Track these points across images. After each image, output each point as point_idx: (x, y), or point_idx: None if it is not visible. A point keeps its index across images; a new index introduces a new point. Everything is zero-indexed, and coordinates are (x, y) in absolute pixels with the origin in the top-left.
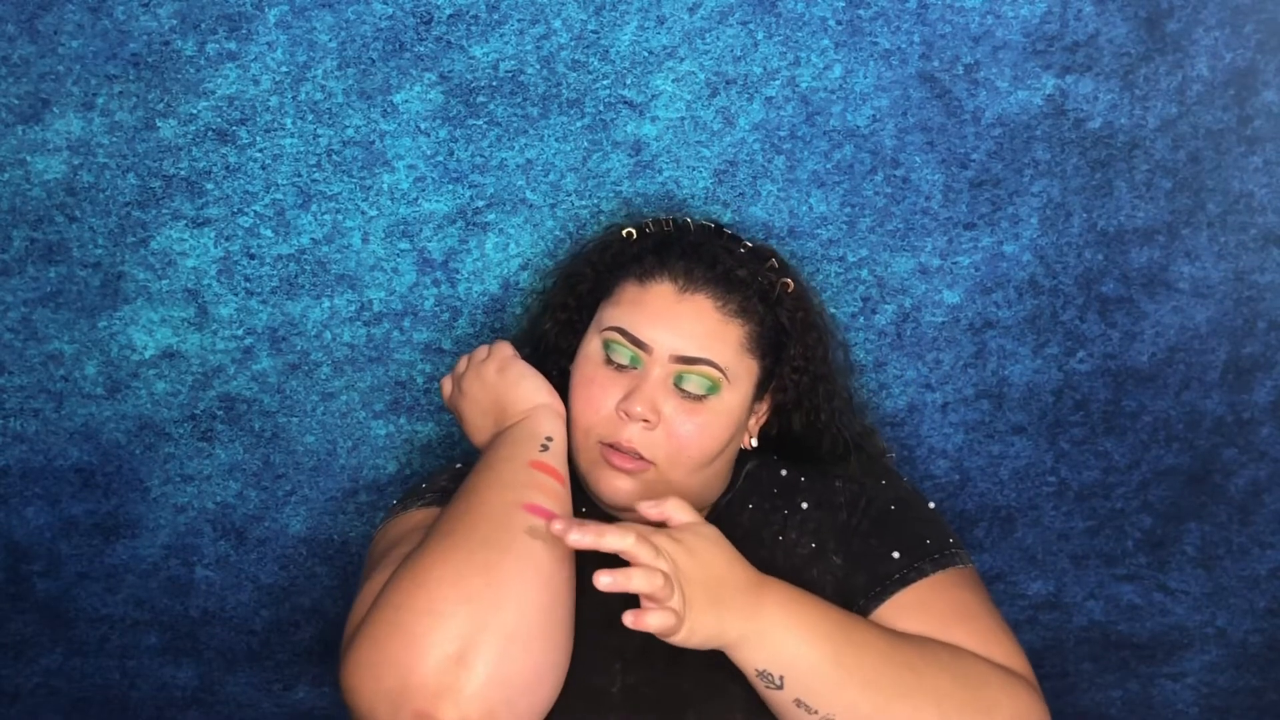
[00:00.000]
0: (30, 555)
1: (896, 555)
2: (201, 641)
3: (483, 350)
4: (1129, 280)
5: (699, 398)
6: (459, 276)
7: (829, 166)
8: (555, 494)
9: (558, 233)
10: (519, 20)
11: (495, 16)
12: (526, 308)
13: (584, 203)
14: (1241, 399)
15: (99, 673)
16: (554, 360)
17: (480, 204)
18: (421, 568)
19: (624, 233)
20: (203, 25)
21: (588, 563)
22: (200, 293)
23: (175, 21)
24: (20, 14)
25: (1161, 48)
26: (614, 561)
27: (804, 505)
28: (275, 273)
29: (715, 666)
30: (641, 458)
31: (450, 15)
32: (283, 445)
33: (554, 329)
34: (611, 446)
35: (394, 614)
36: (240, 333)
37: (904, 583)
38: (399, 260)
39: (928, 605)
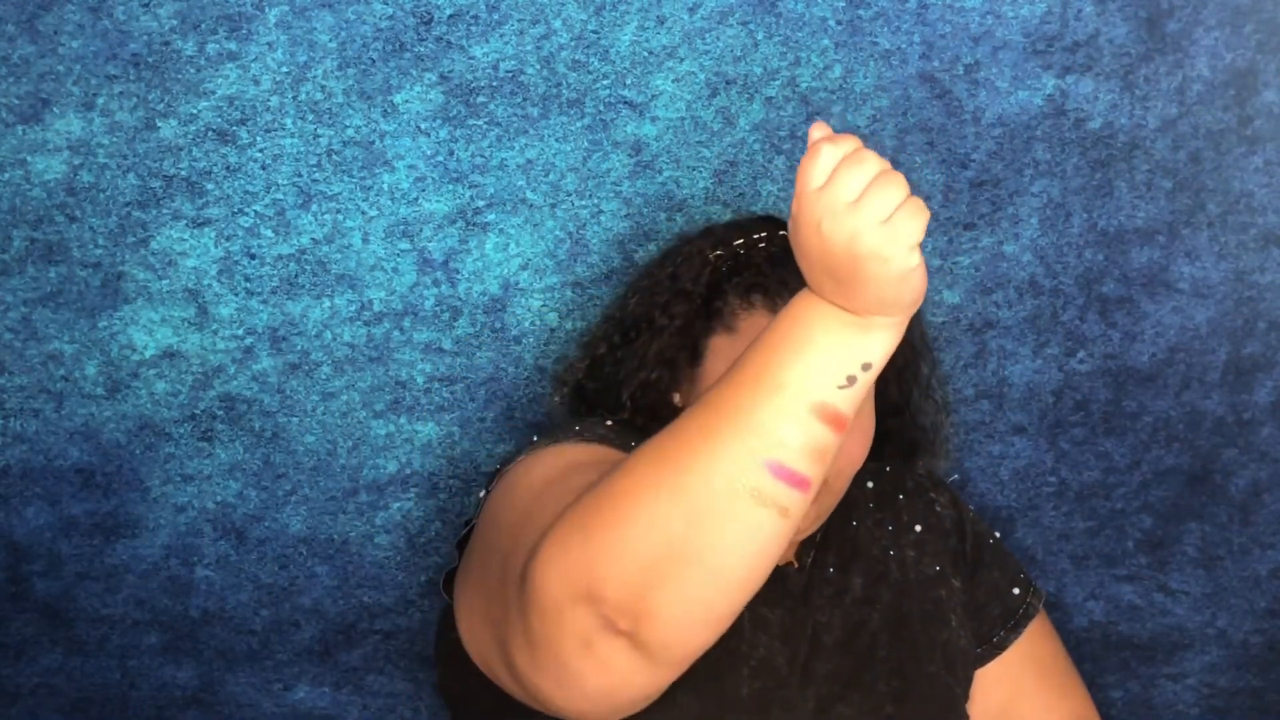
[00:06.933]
0: (30, 555)
1: (1016, 591)
2: (201, 641)
3: (876, 194)
4: (1129, 280)
5: None
6: (459, 276)
7: None
8: (819, 453)
9: (558, 233)
10: (519, 20)
11: (495, 16)
12: (570, 364)
13: (584, 203)
14: (1242, 399)
15: (99, 673)
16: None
17: (480, 204)
18: (619, 489)
19: (713, 256)
20: (203, 25)
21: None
22: (200, 293)
23: (175, 21)
24: (20, 14)
25: (1161, 48)
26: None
27: (917, 528)
28: (275, 273)
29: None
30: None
31: (450, 15)
32: (283, 445)
33: (659, 375)
34: None
35: (581, 521)
36: (240, 333)
37: (1028, 616)
38: (399, 260)
39: (1039, 659)
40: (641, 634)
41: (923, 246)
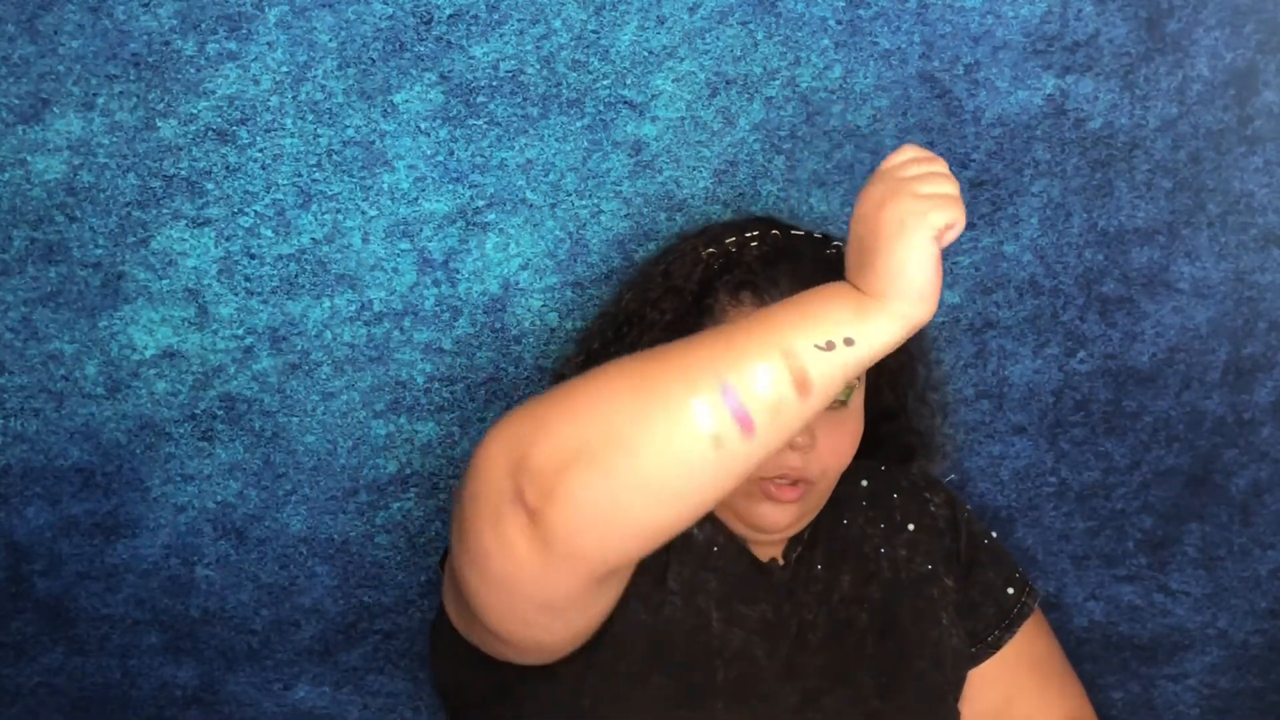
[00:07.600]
0: (30, 555)
1: (1011, 590)
2: (202, 641)
3: (929, 178)
4: (1129, 280)
5: (841, 404)
6: (459, 276)
7: (829, 166)
8: (775, 407)
9: (558, 233)
10: (519, 20)
11: (495, 16)
12: (565, 355)
13: (584, 203)
14: (1242, 399)
15: (99, 672)
16: None
17: (480, 204)
18: (588, 379)
19: (706, 254)
20: (203, 25)
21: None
22: (200, 293)
23: (175, 21)
24: (20, 14)
25: (1161, 48)
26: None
27: (910, 527)
28: (275, 273)
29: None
30: (803, 479)
31: (450, 15)
32: (283, 445)
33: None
34: (771, 479)
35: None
36: (240, 332)
37: (1023, 616)
38: (399, 260)
39: (1034, 659)
40: (544, 511)
41: None
